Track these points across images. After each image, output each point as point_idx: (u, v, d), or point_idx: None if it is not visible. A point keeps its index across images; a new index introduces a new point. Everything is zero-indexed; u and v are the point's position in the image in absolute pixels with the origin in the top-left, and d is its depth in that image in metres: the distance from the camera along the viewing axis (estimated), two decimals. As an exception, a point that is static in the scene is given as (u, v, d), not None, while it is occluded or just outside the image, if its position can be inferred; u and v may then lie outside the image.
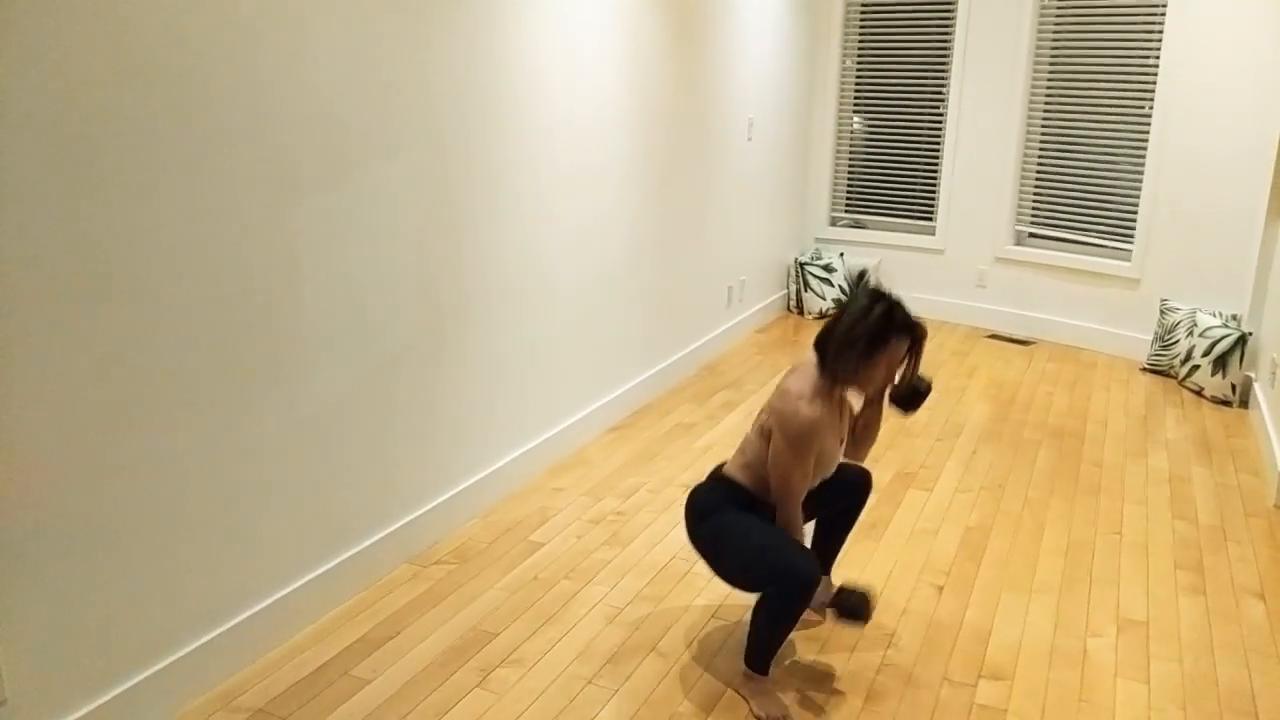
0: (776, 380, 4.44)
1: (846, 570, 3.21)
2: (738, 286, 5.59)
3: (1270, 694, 2.64)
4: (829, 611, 2.77)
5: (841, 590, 2.53)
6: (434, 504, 3.28)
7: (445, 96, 3.06)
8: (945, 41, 5.97)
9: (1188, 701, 2.60)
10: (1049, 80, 5.69)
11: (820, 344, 2.54)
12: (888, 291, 2.49)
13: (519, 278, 3.57)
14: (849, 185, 6.50)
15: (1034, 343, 5.86)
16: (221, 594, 2.55)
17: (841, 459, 2.73)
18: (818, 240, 6.54)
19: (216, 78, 2.30)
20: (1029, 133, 5.80)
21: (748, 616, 2.92)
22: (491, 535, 3.39)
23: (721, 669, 2.69)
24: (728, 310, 5.52)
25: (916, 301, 6.29)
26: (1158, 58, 5.22)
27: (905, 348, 2.51)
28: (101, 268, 2.10)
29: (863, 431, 2.73)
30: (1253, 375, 4.77)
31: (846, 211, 6.54)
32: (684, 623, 2.91)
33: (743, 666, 2.58)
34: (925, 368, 5.31)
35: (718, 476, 2.66)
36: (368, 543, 3.01)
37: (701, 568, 3.21)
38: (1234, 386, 4.80)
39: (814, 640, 2.83)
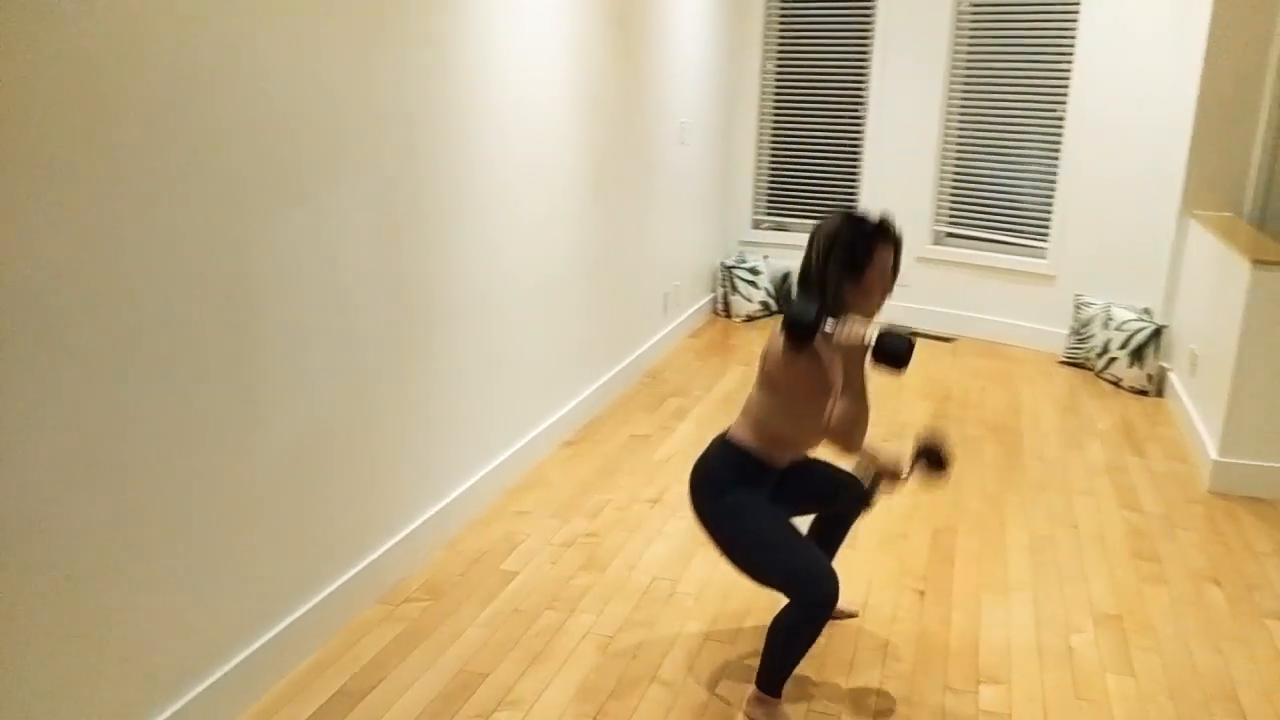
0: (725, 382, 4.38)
1: (827, 581, 3.21)
2: (673, 292, 5.56)
3: (1246, 678, 2.75)
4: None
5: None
6: (400, 536, 3.13)
7: (396, 109, 2.92)
8: (864, 45, 6.06)
9: (1174, 691, 2.69)
10: (965, 83, 5.84)
11: (804, 281, 2.42)
12: (845, 209, 2.40)
13: (470, 296, 3.45)
14: (770, 188, 6.54)
15: (956, 339, 6.02)
16: (187, 658, 2.36)
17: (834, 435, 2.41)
18: (741, 244, 6.56)
19: (162, 88, 2.12)
20: (947, 135, 5.95)
21: (745, 634, 2.88)
22: (461, 566, 3.26)
23: (728, 693, 2.64)
24: (665, 316, 5.48)
25: (839, 301, 6.37)
26: (1070, 61, 5.41)
27: (889, 253, 2.38)
28: (32, 300, 1.91)
29: (854, 403, 2.35)
30: (1167, 366, 5.00)
31: (768, 214, 6.58)
32: (680, 647, 2.85)
33: (753, 689, 2.54)
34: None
35: (725, 442, 2.54)
36: (337, 584, 2.85)
37: (687, 588, 3.15)
38: (1150, 377, 5.02)
39: (812, 658, 2.81)
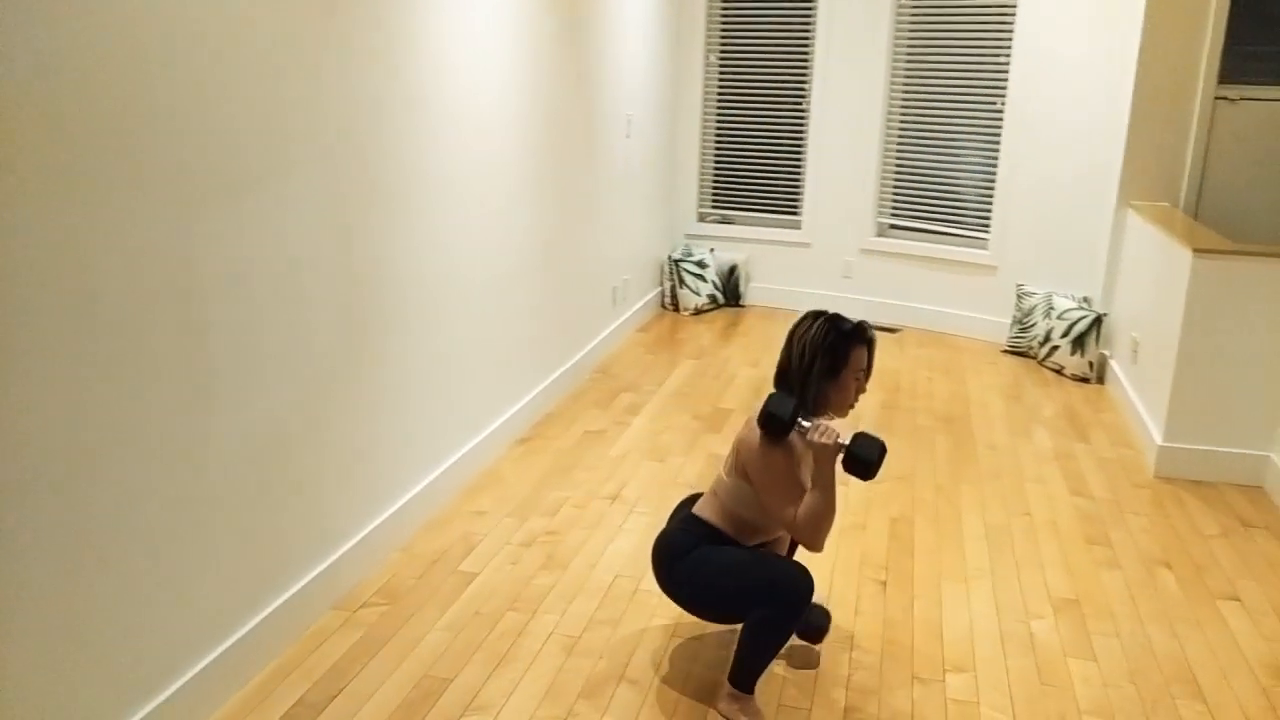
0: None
1: (790, 574, 3.20)
2: (621, 286, 5.51)
3: (1202, 660, 2.80)
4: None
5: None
6: (355, 540, 3.04)
7: (344, 98, 2.82)
8: (806, 38, 6.08)
9: (1135, 675, 2.73)
10: (906, 76, 5.89)
11: (781, 380, 2.54)
12: (821, 311, 2.53)
13: (422, 294, 3.36)
14: (715, 181, 6.54)
15: (901, 330, 6.08)
16: (137, 673, 2.25)
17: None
18: (687, 236, 6.54)
19: (100, 78, 2.01)
20: (889, 127, 6.00)
21: (712, 630, 2.85)
22: (418, 569, 3.18)
23: (699, 690, 2.61)
24: (614, 311, 5.43)
25: (786, 294, 6.40)
26: (1009, 55, 5.49)
27: (865, 354, 2.51)
28: None
29: (821, 499, 2.40)
30: (1108, 353, 5.11)
31: (714, 207, 6.57)
32: (647, 645, 2.81)
33: (727, 686, 2.51)
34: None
35: (692, 518, 2.58)
36: (292, 591, 2.75)
37: (650, 585, 3.11)
38: (1092, 364, 5.12)
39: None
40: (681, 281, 6.18)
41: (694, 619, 2.93)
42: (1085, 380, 5.16)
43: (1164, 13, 4.70)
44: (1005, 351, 5.65)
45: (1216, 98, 4.71)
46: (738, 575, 2.41)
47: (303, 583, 2.79)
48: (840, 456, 2.39)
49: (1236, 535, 3.52)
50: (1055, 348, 5.25)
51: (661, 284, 6.33)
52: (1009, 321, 5.70)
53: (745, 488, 2.50)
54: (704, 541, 2.52)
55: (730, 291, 6.39)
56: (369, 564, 3.12)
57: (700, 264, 6.22)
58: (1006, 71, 5.50)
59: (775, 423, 2.41)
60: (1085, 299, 5.30)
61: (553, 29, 4.21)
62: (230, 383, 2.42)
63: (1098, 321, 5.07)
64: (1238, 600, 3.11)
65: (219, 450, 2.40)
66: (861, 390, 2.53)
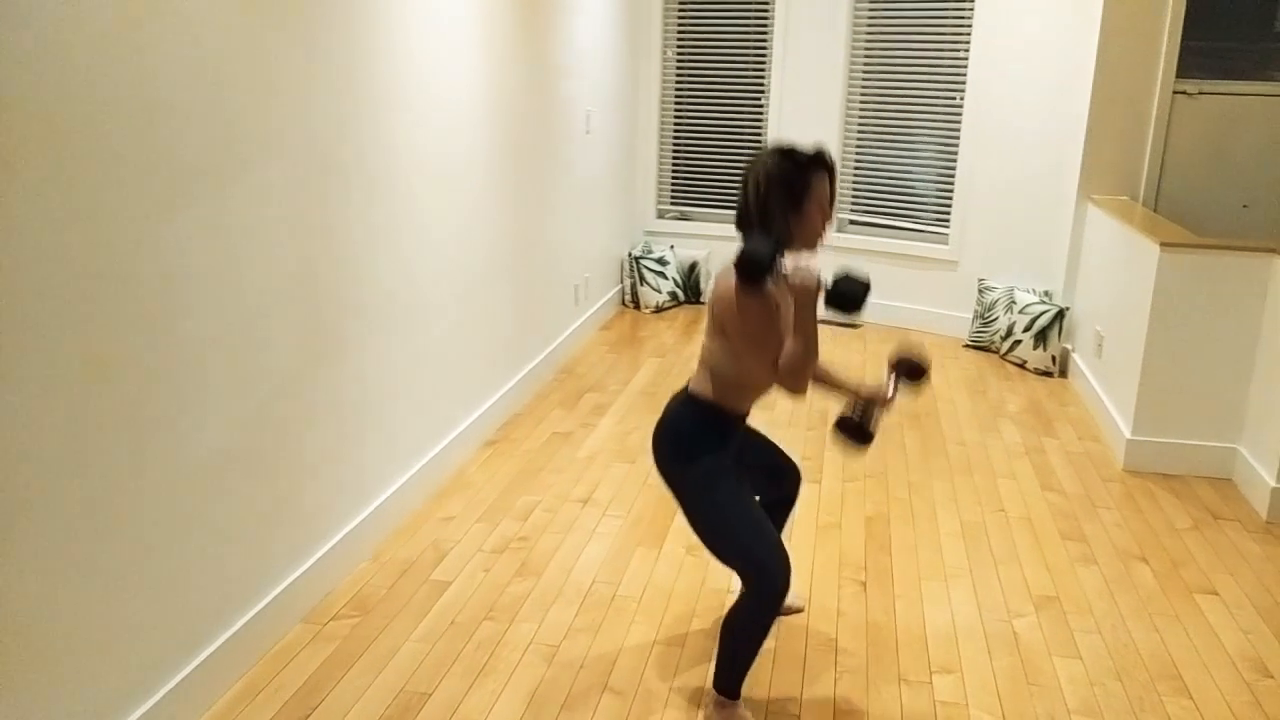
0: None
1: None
2: (583, 284, 5.42)
3: (1184, 655, 2.80)
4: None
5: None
6: (323, 551, 2.92)
7: (299, 99, 2.70)
8: (764, 33, 6.04)
9: (1120, 672, 2.72)
10: (865, 71, 5.88)
11: (742, 222, 2.32)
12: (773, 144, 2.32)
13: (390, 293, 3.25)
14: (674, 177, 6.47)
15: (861, 325, 6.07)
16: (102, 696, 2.12)
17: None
18: (646, 234, 6.47)
19: (37, 76, 1.89)
20: (848, 122, 5.98)
21: (694, 636, 2.79)
22: (388, 579, 3.07)
23: (682, 699, 2.54)
24: (576, 309, 5.34)
25: (747, 290, 6.35)
26: (967, 49, 5.50)
27: (826, 182, 2.29)
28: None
29: (803, 344, 2.24)
30: (1070, 347, 5.14)
31: (673, 204, 6.51)
32: (628, 653, 2.73)
33: (711, 693, 2.45)
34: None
35: (687, 397, 2.43)
36: (260, 605, 2.63)
37: (628, 590, 3.04)
38: (1054, 358, 5.15)
39: (764, 657, 2.74)
40: (642, 279, 6.11)
41: (675, 628, 2.86)
42: (1048, 374, 5.19)
43: (1123, 6, 4.74)
44: (967, 346, 5.67)
45: (1175, 92, 4.76)
46: (730, 533, 2.31)
47: (270, 596, 2.67)
48: (824, 296, 2.17)
49: (1209, 528, 3.55)
50: (1018, 342, 5.28)
51: (622, 282, 6.25)
52: (970, 316, 5.72)
53: (728, 345, 2.33)
54: (706, 433, 2.37)
55: (691, 289, 6.33)
56: (338, 574, 3.00)
57: (661, 261, 6.15)
58: (965, 66, 5.51)
59: (754, 266, 2.16)
60: (1046, 293, 5.32)
61: (513, 20, 4.11)
62: (191, 393, 2.29)
63: (1060, 315, 5.10)
64: (1215, 594, 3.12)
65: (179, 463, 2.28)
66: (828, 220, 2.31)
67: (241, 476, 2.51)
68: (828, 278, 2.17)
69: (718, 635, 2.79)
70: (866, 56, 5.85)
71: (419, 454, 3.53)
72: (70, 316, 1.92)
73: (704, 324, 2.48)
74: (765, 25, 6.02)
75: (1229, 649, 2.84)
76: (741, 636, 2.34)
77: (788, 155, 2.27)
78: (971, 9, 5.45)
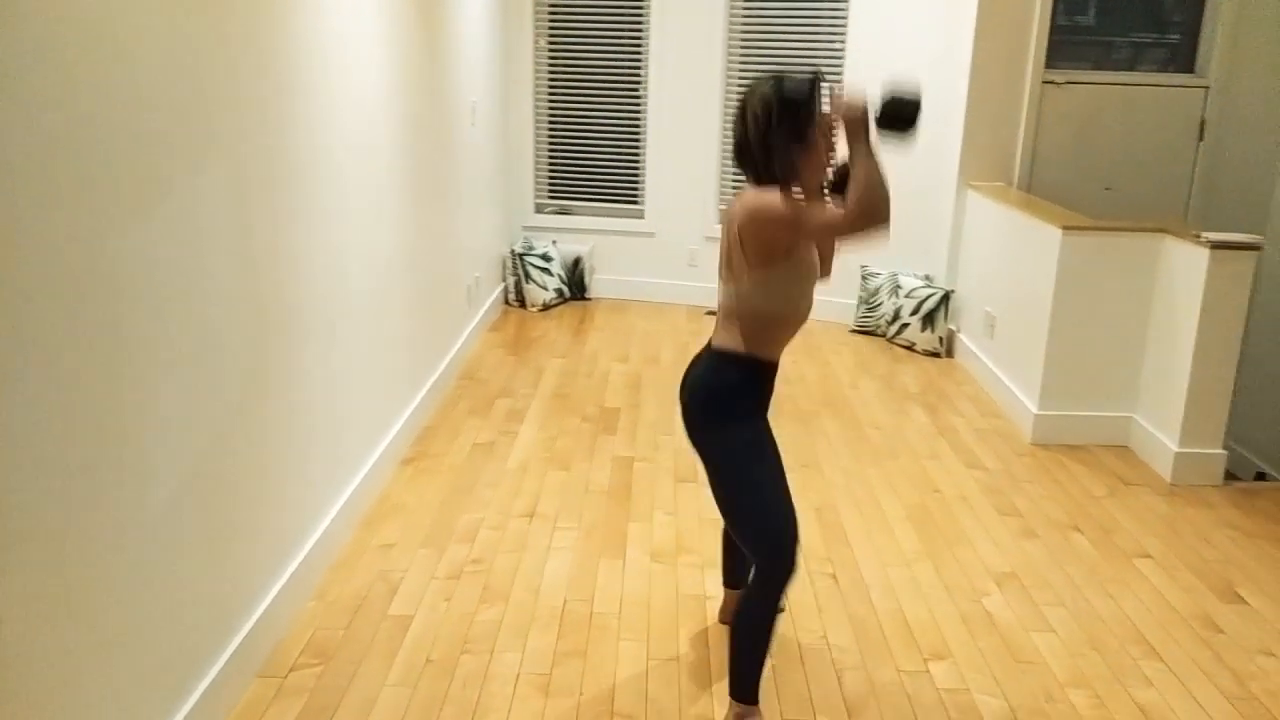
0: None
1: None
2: (474, 284, 5.19)
3: (1142, 618, 2.94)
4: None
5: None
6: (271, 597, 2.64)
7: (221, 94, 2.42)
8: (639, 20, 5.95)
9: (1093, 642, 2.82)
10: (743, 59, 5.89)
11: (741, 158, 2.23)
12: (764, 77, 2.23)
13: (317, 305, 2.98)
14: (551, 170, 6.31)
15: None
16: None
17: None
18: (525, 229, 6.28)
19: None
20: (728, 110, 5.98)
21: (686, 645, 2.69)
22: (341, 618, 2.81)
23: (696, 712, 2.44)
24: (469, 311, 5.11)
25: (632, 285, 6.29)
26: (844, 38, 5.61)
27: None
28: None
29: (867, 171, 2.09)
30: (955, 328, 5.34)
31: (550, 198, 6.34)
32: (625, 674, 2.61)
33: (731, 702, 2.37)
34: (647, 352, 5.31)
35: (718, 356, 2.31)
36: (217, 668, 2.34)
37: (604, 606, 2.90)
38: (941, 339, 5.34)
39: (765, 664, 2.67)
40: (527, 276, 5.92)
41: (664, 640, 2.76)
42: (936, 355, 5.38)
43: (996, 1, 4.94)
44: (853, 331, 5.80)
45: (1044, 81, 5.01)
46: (757, 506, 2.25)
47: (225, 657, 2.38)
48: (876, 118, 2.09)
49: (1123, 494, 3.75)
50: (905, 325, 5.44)
51: (505, 280, 6.04)
52: (854, 302, 5.85)
53: (764, 267, 2.19)
54: (743, 393, 2.28)
55: (576, 284, 6.20)
56: (284, 620, 2.72)
57: (545, 257, 5.98)
58: (843, 54, 5.62)
59: (795, 105, 2.07)
60: (928, 277, 5.51)
61: (405, 10, 3.85)
62: (130, 456, 2.00)
63: (946, 298, 5.29)
64: (1149, 557, 3.30)
65: (130, 521, 1.98)
66: (832, 150, 2.22)
67: (192, 528, 2.22)
68: (875, 98, 2.07)
69: (713, 644, 2.72)
70: (744, 45, 5.87)
71: (347, 479, 3.26)
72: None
73: (722, 275, 2.33)
74: (641, 13, 5.94)
75: (1179, 609, 2.99)
76: (752, 637, 2.30)
77: (787, 85, 2.18)
78: (847, 2, 5.55)
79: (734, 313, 2.28)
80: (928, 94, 5.41)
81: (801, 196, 2.19)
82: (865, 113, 2.09)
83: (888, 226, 2.07)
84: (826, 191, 2.28)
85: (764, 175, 2.21)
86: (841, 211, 2.06)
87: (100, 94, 1.79)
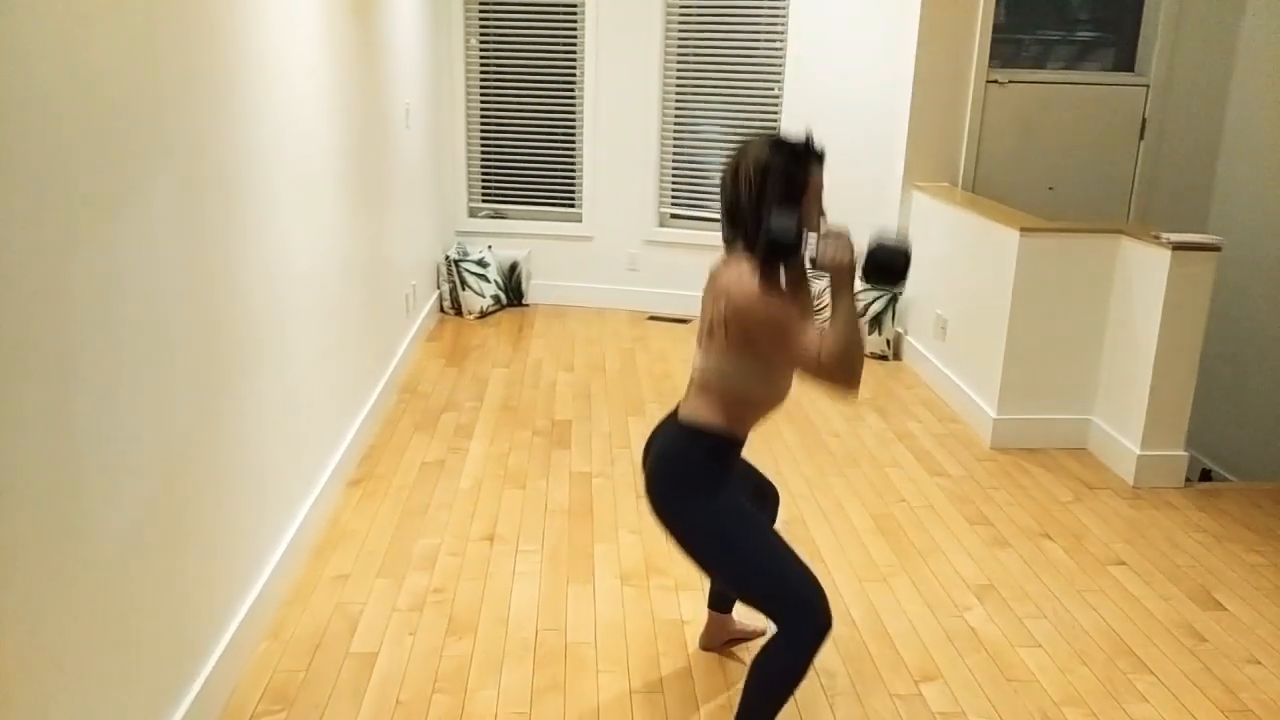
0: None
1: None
2: (411, 293, 4.96)
3: (1126, 629, 2.90)
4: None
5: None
6: (226, 641, 2.41)
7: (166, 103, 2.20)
8: (573, 21, 5.78)
9: (1082, 655, 2.77)
10: (680, 60, 5.77)
11: (731, 219, 2.15)
12: (761, 136, 2.16)
13: (267, 321, 2.75)
14: (484, 174, 6.09)
15: (691, 320, 6.00)
16: None
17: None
18: (459, 234, 6.05)
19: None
20: (665, 112, 5.86)
21: (669, 674, 2.54)
22: (300, 659, 2.59)
23: (692, 756, 2.31)
24: (407, 321, 4.88)
25: (570, 290, 6.11)
26: (784, 39, 5.53)
27: (821, 174, 2.16)
28: None
29: (845, 329, 2.05)
30: (902, 330, 5.31)
31: (484, 202, 6.12)
32: (610, 708, 2.45)
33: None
34: (591, 360, 5.17)
35: (684, 429, 2.19)
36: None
37: (579, 635, 2.74)
38: (889, 342, 5.31)
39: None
40: (463, 283, 5.70)
41: (645, 669, 2.61)
42: (884, 358, 5.34)
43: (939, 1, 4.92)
44: (798, 335, 5.73)
45: (988, 81, 5.01)
46: (757, 575, 2.11)
47: (178, 716, 2.15)
48: (862, 268, 2.04)
49: (1088, 498, 3.74)
50: (851, 328, 5.39)
51: (439, 287, 5.81)
52: (798, 305, 5.78)
53: (745, 359, 2.11)
54: (712, 470, 2.16)
55: (513, 291, 6.00)
56: (239, 663, 2.49)
57: (481, 263, 5.77)
58: (783, 55, 5.54)
59: (781, 247, 1.98)
60: (872, 279, 5.47)
61: (340, 5, 3.63)
62: (105, 487, 1.77)
63: (893, 300, 5.26)
64: (1123, 564, 3.27)
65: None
66: (823, 215, 2.16)
67: (162, 570, 1.99)
68: (861, 247, 2.02)
69: (696, 673, 2.59)
70: (681, 46, 5.75)
71: (296, 507, 3.03)
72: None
73: (701, 343, 2.22)
74: (574, 10, 5.77)
75: (1160, 618, 2.97)
76: (778, 683, 2.13)
77: (781, 147, 2.11)
78: (787, 7, 5.47)
79: (711, 389, 2.18)
80: (873, 98, 5.37)
81: (786, 293, 2.10)
82: (853, 265, 2.04)
83: (856, 390, 2.07)
84: (809, 267, 2.17)
85: (753, 241, 2.10)
86: (818, 351, 2.02)
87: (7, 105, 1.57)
